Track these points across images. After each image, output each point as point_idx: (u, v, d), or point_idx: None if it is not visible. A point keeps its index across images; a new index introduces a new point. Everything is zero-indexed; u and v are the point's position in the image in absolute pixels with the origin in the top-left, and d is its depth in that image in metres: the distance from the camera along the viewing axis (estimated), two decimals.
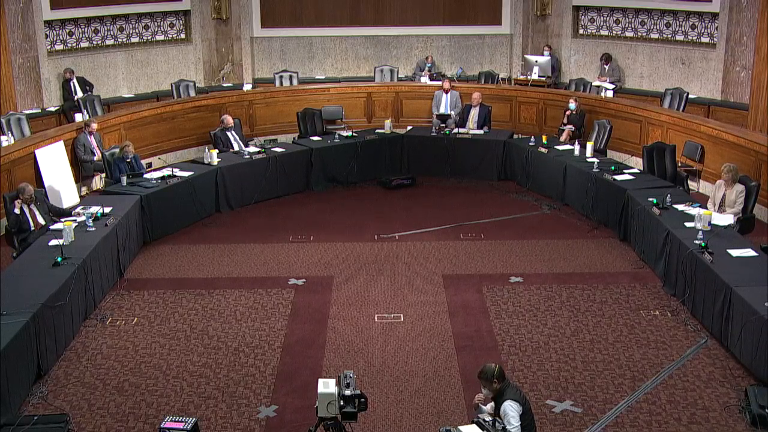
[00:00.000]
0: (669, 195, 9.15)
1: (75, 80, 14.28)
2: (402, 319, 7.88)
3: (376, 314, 7.99)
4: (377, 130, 12.91)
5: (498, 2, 16.50)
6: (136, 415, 6.33)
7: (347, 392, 5.07)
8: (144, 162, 11.45)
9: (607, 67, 15.32)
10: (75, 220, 8.67)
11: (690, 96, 13.73)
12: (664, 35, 15.14)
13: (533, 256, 9.45)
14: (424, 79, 15.16)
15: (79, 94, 14.12)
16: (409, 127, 13.35)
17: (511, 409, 5.19)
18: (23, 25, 13.74)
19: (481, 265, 9.19)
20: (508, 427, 5.15)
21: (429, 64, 15.98)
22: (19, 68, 13.72)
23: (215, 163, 11.04)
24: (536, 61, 15.38)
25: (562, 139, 12.33)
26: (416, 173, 12.40)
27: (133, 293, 8.52)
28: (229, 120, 12.30)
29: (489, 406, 5.56)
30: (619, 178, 10.17)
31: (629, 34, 15.61)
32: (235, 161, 11.33)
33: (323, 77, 16.30)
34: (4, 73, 13.16)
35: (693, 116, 12.41)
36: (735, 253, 7.73)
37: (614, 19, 15.77)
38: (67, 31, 14.89)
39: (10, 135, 11.71)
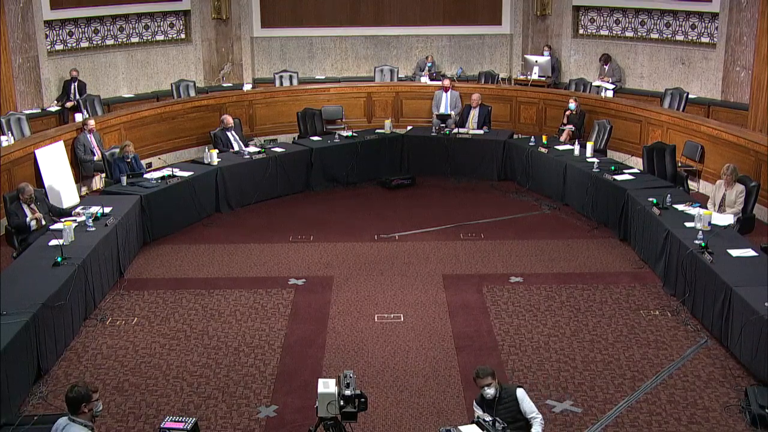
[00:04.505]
0: (669, 195, 9.15)
1: (77, 83, 14.20)
2: (402, 319, 7.88)
3: (376, 314, 7.99)
4: (377, 130, 12.90)
5: (498, 2, 16.49)
6: (136, 415, 6.33)
7: (347, 392, 5.06)
8: (144, 162, 11.46)
9: (606, 68, 15.32)
10: (75, 220, 8.67)
11: (690, 96, 13.73)
12: (664, 35, 15.14)
13: (533, 256, 9.45)
14: (424, 79, 15.16)
15: (77, 95, 14.08)
16: (409, 127, 13.35)
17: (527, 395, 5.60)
18: (23, 25, 13.74)
19: (481, 265, 9.19)
20: (531, 413, 5.47)
21: (429, 64, 15.97)
22: (19, 68, 13.72)
23: (215, 163, 11.04)
24: (536, 61, 15.37)
25: (562, 139, 12.32)
26: (416, 173, 12.40)
27: (133, 293, 8.52)
28: (229, 120, 12.30)
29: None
30: (619, 178, 10.17)
31: (629, 34, 15.60)
32: (235, 161, 11.33)
33: (323, 77, 16.30)
34: (4, 73, 13.16)
35: (693, 116, 12.41)
36: (735, 253, 7.74)
37: (614, 19, 15.77)
38: (67, 31, 14.89)
39: (10, 135, 11.70)
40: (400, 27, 16.60)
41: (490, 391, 5.46)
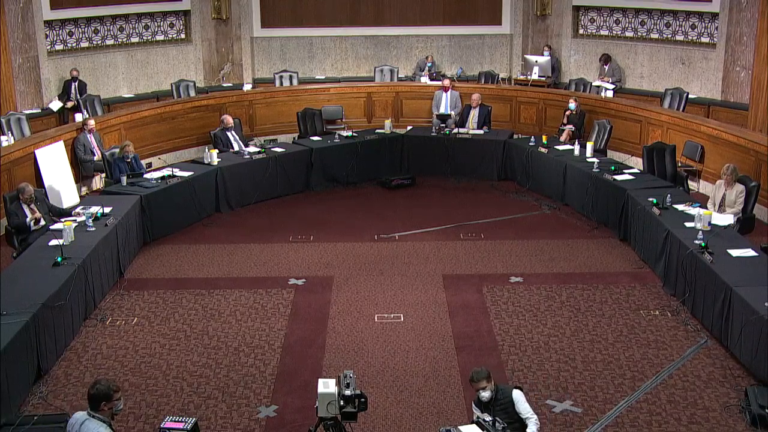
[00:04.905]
0: (669, 195, 9.15)
1: (77, 83, 14.21)
2: (402, 319, 7.88)
3: (376, 314, 7.99)
4: (377, 130, 12.90)
5: (498, 2, 16.50)
6: (136, 415, 6.33)
7: (347, 392, 5.06)
8: (144, 162, 11.46)
9: (606, 68, 15.32)
10: (75, 220, 8.67)
11: (690, 96, 13.74)
12: (664, 35, 15.14)
13: (533, 256, 9.45)
14: (424, 79, 15.16)
15: (77, 95, 14.08)
16: (409, 127, 13.35)
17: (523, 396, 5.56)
18: (23, 25, 13.74)
19: (481, 265, 9.19)
20: (526, 414, 5.46)
21: (429, 64, 15.97)
22: (19, 68, 13.72)
23: (215, 163, 11.04)
24: (536, 61, 15.38)
25: (562, 139, 12.32)
26: (416, 173, 12.40)
27: (133, 293, 8.52)
28: (229, 120, 12.30)
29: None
30: (619, 178, 10.17)
31: (629, 34, 15.61)
32: (235, 161, 11.33)
33: (323, 77, 16.30)
34: (4, 73, 13.16)
35: (693, 116, 12.41)
36: (735, 253, 7.73)
37: (614, 19, 15.77)
38: (67, 31, 14.89)
39: (10, 135, 11.71)
40: (400, 27, 16.61)
41: (485, 394, 5.46)
